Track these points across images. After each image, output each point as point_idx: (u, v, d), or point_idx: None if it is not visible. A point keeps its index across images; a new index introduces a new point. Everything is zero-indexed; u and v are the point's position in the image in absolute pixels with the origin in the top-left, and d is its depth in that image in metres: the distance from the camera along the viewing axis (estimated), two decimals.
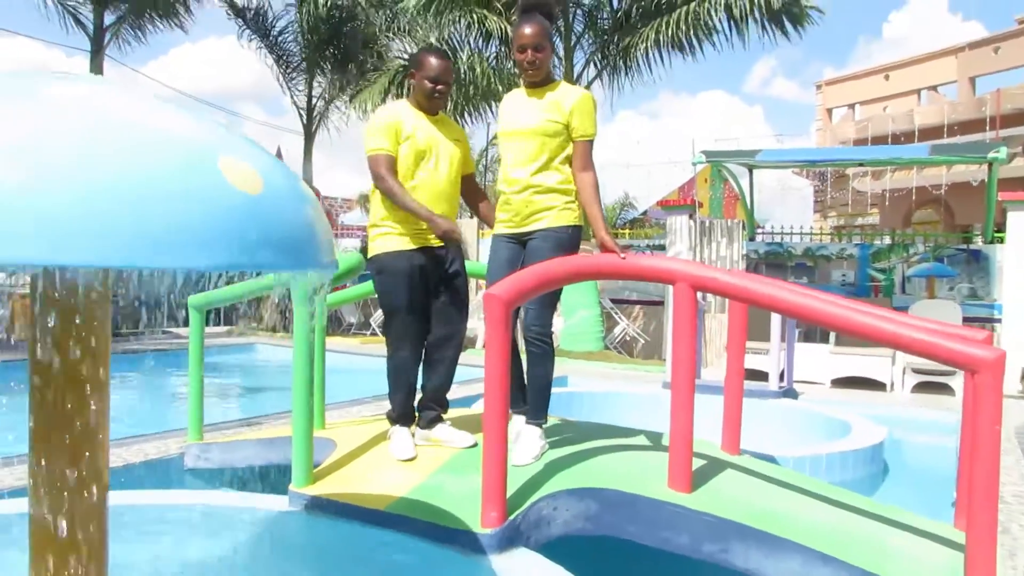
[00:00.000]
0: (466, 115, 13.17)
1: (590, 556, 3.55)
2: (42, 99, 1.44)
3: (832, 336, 10.89)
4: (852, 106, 29.99)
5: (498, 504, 3.01)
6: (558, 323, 12.83)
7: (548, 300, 3.50)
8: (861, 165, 13.64)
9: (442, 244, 3.76)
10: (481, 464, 3.05)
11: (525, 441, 3.53)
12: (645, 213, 31.75)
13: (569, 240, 3.49)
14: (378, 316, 14.55)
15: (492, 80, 12.15)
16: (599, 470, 3.47)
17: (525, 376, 3.69)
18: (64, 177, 1.40)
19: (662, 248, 12.98)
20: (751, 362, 9.09)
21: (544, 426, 3.65)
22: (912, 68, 28.00)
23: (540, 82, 3.56)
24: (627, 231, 27.93)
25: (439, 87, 3.72)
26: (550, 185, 3.47)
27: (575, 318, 11.98)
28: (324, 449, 3.91)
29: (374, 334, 14.19)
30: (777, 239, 13.02)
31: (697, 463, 3.49)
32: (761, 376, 8.31)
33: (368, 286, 4.84)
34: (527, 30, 3.47)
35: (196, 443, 4.64)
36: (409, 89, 3.89)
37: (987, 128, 21.36)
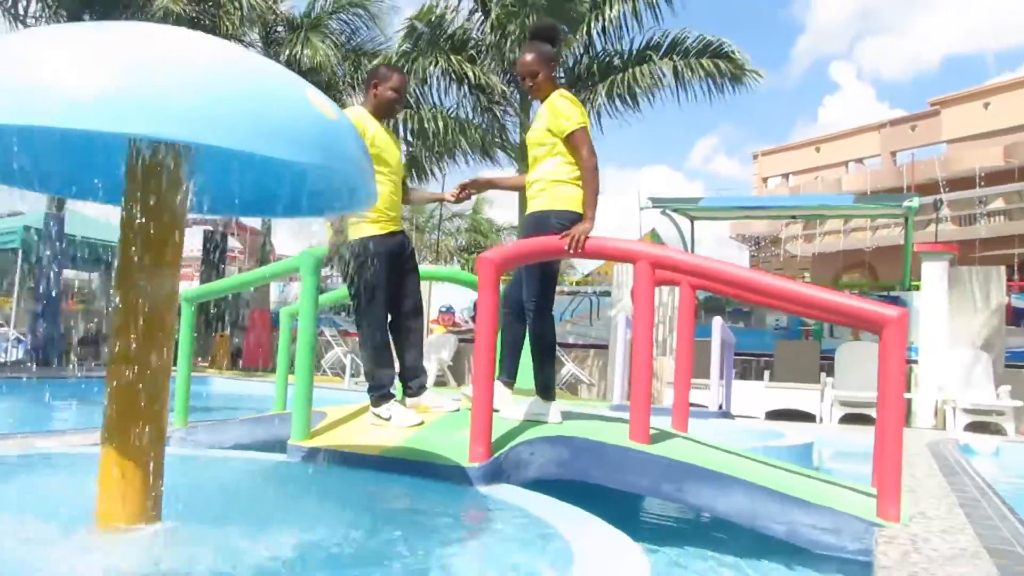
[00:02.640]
0: (431, 167, 13.68)
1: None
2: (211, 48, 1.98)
3: (767, 373, 11.58)
4: (786, 175, 31.67)
5: (484, 442, 3.43)
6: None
7: (532, 276, 3.95)
8: (793, 217, 14.61)
9: (402, 229, 4.26)
10: (468, 421, 3.47)
11: (527, 404, 3.97)
12: (588, 275, 32.60)
13: (536, 223, 3.92)
14: (329, 358, 14.79)
15: (455, 134, 12.73)
16: (571, 428, 3.92)
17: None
18: (223, 92, 1.89)
19: (607, 294, 13.58)
20: (693, 397, 9.68)
21: (547, 400, 4.05)
22: (840, 142, 29.89)
23: (543, 99, 4.04)
24: (573, 280, 28.64)
25: (399, 98, 4.27)
26: (537, 178, 3.98)
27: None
28: (316, 419, 4.27)
29: (324, 374, 14.40)
30: None
31: (653, 429, 3.96)
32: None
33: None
34: (521, 59, 4.03)
35: (181, 427, 4.92)
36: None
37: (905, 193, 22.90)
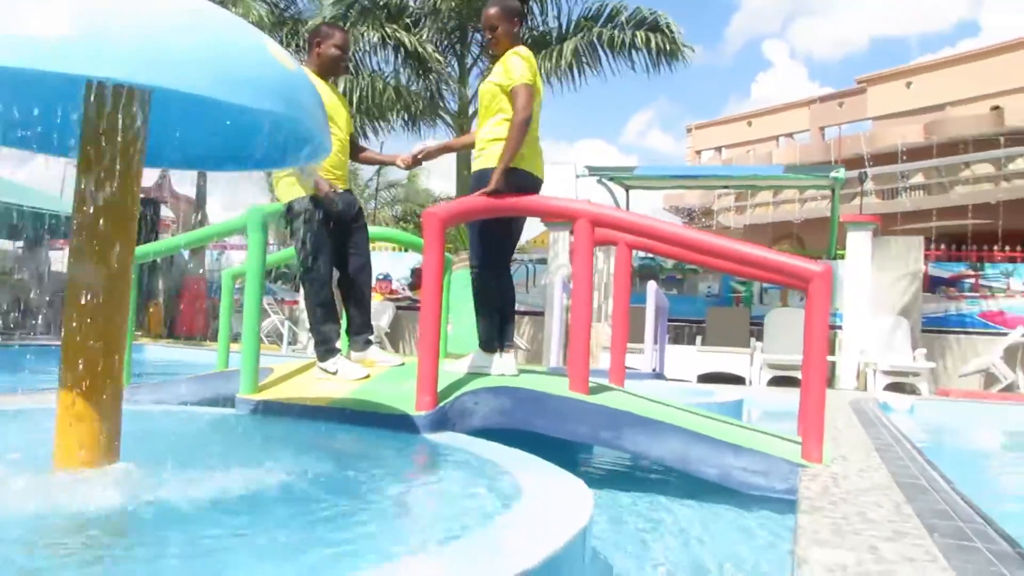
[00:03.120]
0: (368, 133, 13.64)
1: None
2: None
3: (699, 339, 11.95)
4: (719, 149, 32.31)
5: (430, 391, 3.55)
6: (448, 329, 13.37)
7: (473, 234, 4.05)
8: (726, 187, 14.99)
9: (348, 188, 4.33)
10: (414, 374, 3.57)
11: (470, 357, 4.09)
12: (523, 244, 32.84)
13: (476, 181, 3.97)
14: (266, 326, 14.65)
15: (392, 97, 12.67)
16: (514, 380, 4.06)
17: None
18: (185, 38, 1.94)
19: (543, 262, 13.76)
20: (627, 361, 9.94)
21: (489, 352, 4.16)
22: (772, 117, 30.61)
23: (501, 54, 4.07)
24: None
25: (344, 55, 4.32)
26: (481, 136, 4.05)
27: (462, 325, 12.53)
28: (262, 376, 4.32)
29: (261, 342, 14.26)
30: (650, 255, 14.07)
31: (592, 383, 4.12)
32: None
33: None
34: (485, 11, 4.08)
35: (124, 387, 4.91)
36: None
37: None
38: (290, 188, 4.18)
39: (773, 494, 3.39)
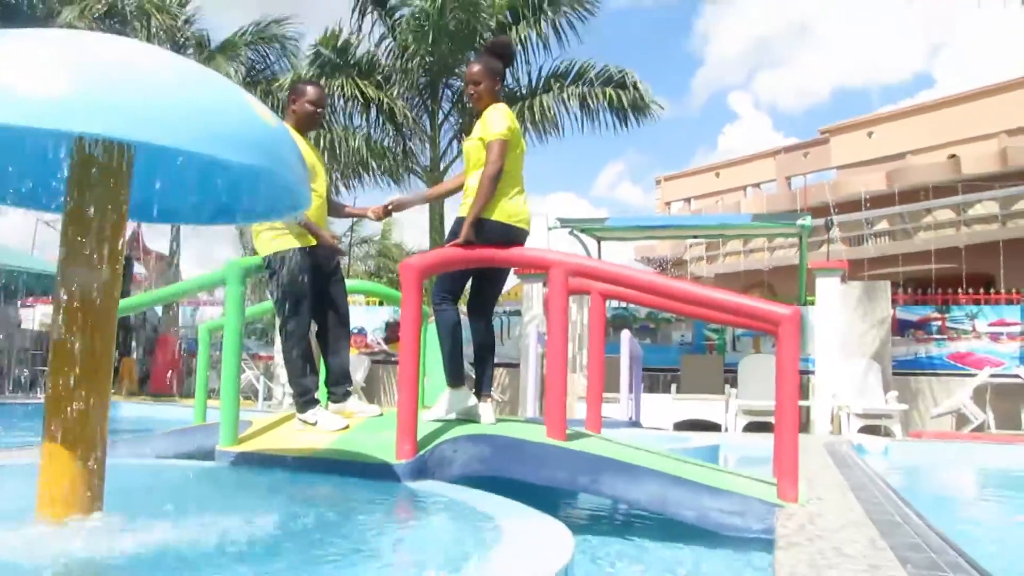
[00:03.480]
0: (341, 188, 13.76)
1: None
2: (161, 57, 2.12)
3: (674, 387, 12.03)
4: (688, 200, 32.85)
5: (410, 440, 3.58)
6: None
7: (446, 277, 4.10)
8: (695, 237, 15.24)
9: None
10: (393, 423, 3.60)
11: (440, 402, 4.12)
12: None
13: (453, 230, 4.03)
14: (241, 381, 14.52)
15: (364, 154, 12.83)
16: (492, 428, 4.09)
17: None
18: (173, 96, 2.02)
19: (517, 314, 13.83)
20: (603, 410, 9.99)
21: (456, 388, 4.20)
22: (739, 167, 31.28)
23: (482, 110, 4.16)
24: None
25: (319, 110, 4.41)
26: (466, 187, 4.08)
27: (438, 377, 12.50)
28: (242, 428, 4.31)
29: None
30: (623, 304, 14.21)
31: (569, 430, 4.16)
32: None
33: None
34: (469, 68, 4.20)
35: None
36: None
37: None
38: (269, 242, 4.23)
39: (750, 534, 3.43)
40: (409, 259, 3.71)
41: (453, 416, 4.19)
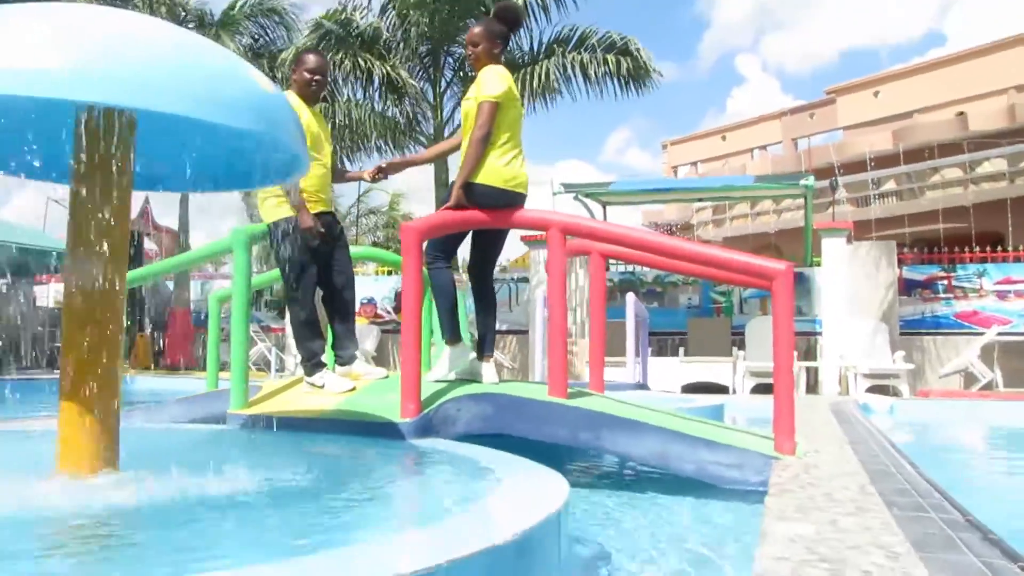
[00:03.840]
0: (345, 160, 13.78)
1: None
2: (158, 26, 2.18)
3: (681, 350, 12.12)
4: (694, 164, 32.71)
5: (414, 399, 3.67)
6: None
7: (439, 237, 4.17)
8: (700, 199, 15.25)
9: (331, 210, 4.47)
10: (398, 385, 3.69)
11: (440, 361, 4.21)
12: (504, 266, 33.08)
13: (450, 192, 4.07)
14: (253, 353, 14.70)
15: (369, 125, 12.84)
16: (494, 387, 4.18)
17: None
18: (170, 63, 2.09)
19: (525, 281, 13.91)
20: (610, 374, 10.10)
21: (453, 345, 4.29)
22: (745, 130, 31.08)
23: (479, 71, 4.16)
24: None
25: (316, 77, 4.44)
26: (461, 151, 4.13)
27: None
28: (252, 393, 4.42)
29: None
30: (630, 268, 14.27)
31: (572, 389, 4.25)
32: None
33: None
34: (470, 30, 4.24)
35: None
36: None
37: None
38: (274, 209, 4.30)
39: (748, 487, 3.50)
40: (409, 221, 3.78)
41: (454, 375, 4.27)
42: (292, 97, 4.35)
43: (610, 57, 12.36)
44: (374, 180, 4.69)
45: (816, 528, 2.19)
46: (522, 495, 2.27)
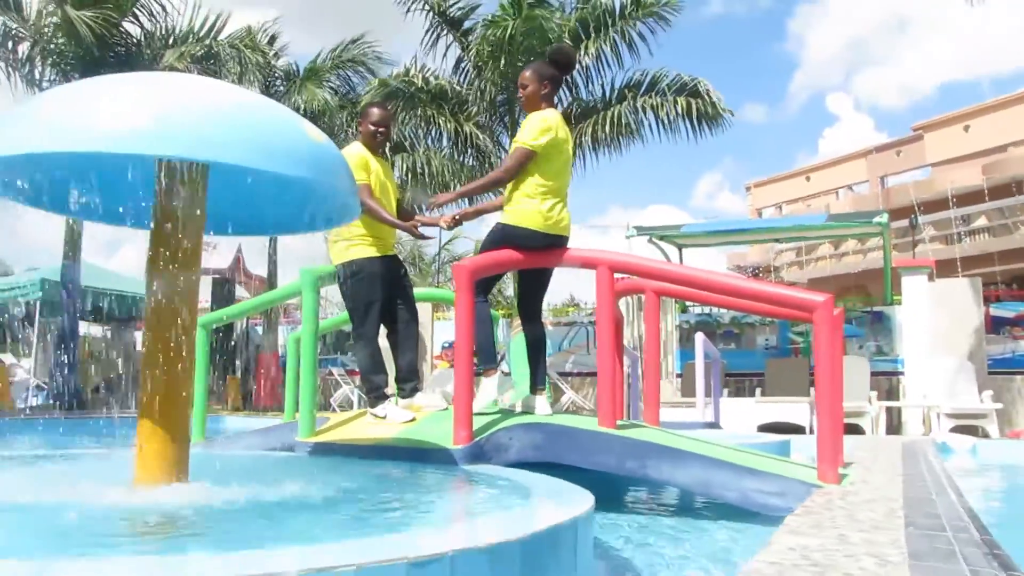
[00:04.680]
0: (424, 208, 14.27)
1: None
2: (224, 89, 2.52)
3: (758, 391, 11.99)
4: (779, 205, 32.31)
5: (466, 426, 3.89)
6: (509, 395, 13.72)
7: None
8: (777, 240, 15.11)
9: (394, 253, 4.77)
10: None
11: (480, 392, 4.43)
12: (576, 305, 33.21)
13: (494, 233, 4.31)
14: (338, 396, 15.24)
15: (447, 173, 13.32)
16: (546, 418, 4.37)
17: None
18: (233, 121, 2.41)
19: None
20: (683, 415, 10.13)
21: (493, 374, 4.48)
22: (830, 170, 30.59)
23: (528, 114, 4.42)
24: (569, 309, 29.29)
25: (380, 129, 4.79)
26: (506, 191, 4.40)
27: (525, 385, 12.82)
28: (320, 424, 4.73)
29: (333, 411, 14.81)
30: (707, 310, 14.23)
31: (622, 421, 4.41)
32: None
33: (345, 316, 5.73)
34: (522, 72, 4.45)
35: (199, 441, 5.39)
36: None
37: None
38: (343, 252, 4.64)
39: (791, 514, 3.58)
40: (461, 261, 4.05)
41: (508, 405, 4.47)
42: (359, 147, 4.71)
43: (680, 99, 12.54)
44: (450, 228, 4.93)
45: (821, 541, 2.30)
46: (548, 505, 2.46)
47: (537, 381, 4.52)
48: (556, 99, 12.43)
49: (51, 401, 13.38)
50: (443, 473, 3.48)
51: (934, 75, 78.31)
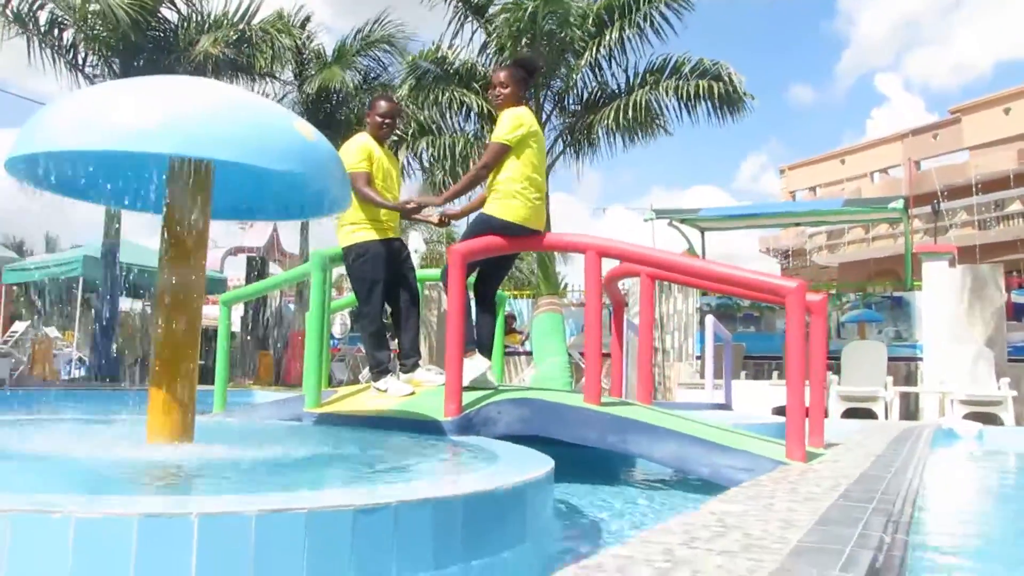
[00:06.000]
0: (449, 187, 14.53)
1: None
2: (224, 92, 2.82)
3: (775, 374, 12.14)
4: (813, 188, 32.04)
5: (456, 400, 4.18)
6: (528, 371, 14.01)
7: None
8: (797, 223, 15.14)
9: (399, 236, 5.05)
10: None
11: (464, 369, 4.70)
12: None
13: (478, 223, 4.59)
14: (365, 374, 15.66)
15: (471, 155, 13.56)
16: (534, 393, 4.65)
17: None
18: (231, 123, 2.70)
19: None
20: (696, 396, 10.34)
21: (472, 355, 4.68)
22: (864, 153, 30.23)
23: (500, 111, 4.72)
24: None
25: (387, 120, 5.06)
26: (487, 184, 4.70)
27: (545, 364, 13.10)
28: (325, 395, 5.07)
29: None
30: (727, 295, 14.35)
31: (607, 398, 4.66)
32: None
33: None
34: (496, 73, 4.79)
35: (220, 411, 5.76)
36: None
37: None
38: (349, 235, 4.94)
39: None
40: (455, 245, 4.33)
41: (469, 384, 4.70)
42: (365, 137, 5.00)
43: (703, 83, 12.61)
44: (441, 225, 5.21)
45: (745, 508, 2.53)
46: (508, 469, 2.74)
47: (485, 351, 4.80)
48: (580, 87, 12.42)
49: (92, 373, 13.98)
50: (425, 441, 3.78)
51: (989, 53, 75.87)
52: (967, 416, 10.54)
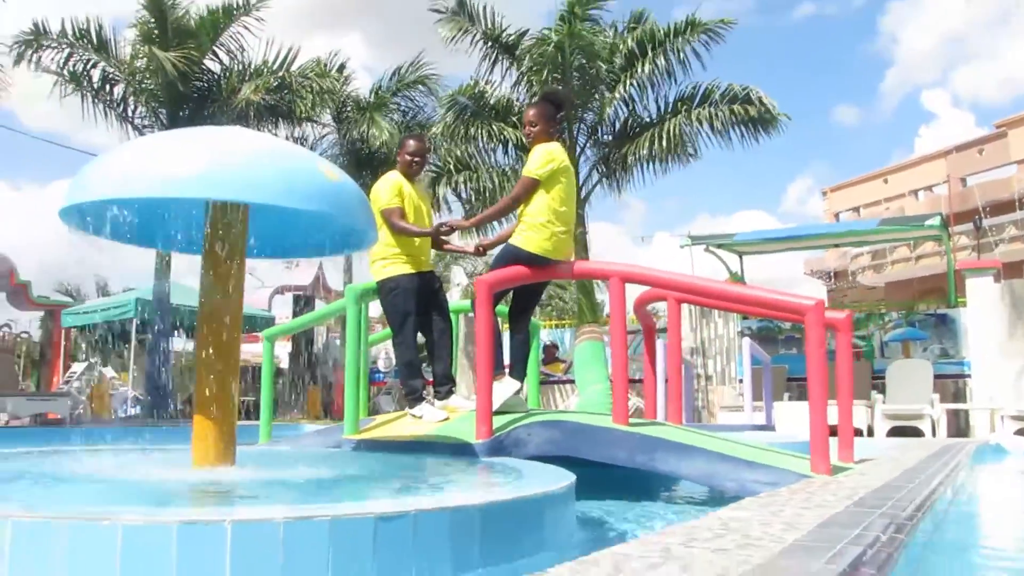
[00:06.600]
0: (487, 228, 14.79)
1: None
2: (258, 141, 3.06)
3: None
4: (856, 209, 31.71)
5: (487, 422, 4.35)
6: (573, 399, 14.09)
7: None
8: (836, 244, 15.05)
9: (431, 269, 5.25)
10: None
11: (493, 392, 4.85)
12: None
13: (504, 254, 4.76)
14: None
15: (508, 189, 13.80)
16: (563, 415, 4.79)
17: None
18: (263, 169, 2.93)
19: (663, 331, 14.23)
20: (736, 418, 10.33)
21: (502, 378, 4.87)
22: (908, 171, 29.88)
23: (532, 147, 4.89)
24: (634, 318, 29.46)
25: (416, 159, 5.30)
26: (517, 215, 4.88)
27: (588, 391, 13.18)
28: (363, 423, 5.26)
29: None
30: (768, 318, 14.30)
31: (635, 419, 4.77)
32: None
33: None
34: (527, 111, 4.96)
35: (266, 441, 6.00)
36: None
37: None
38: (382, 269, 5.16)
39: None
40: (482, 276, 4.52)
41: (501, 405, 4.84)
42: (395, 175, 5.24)
43: (736, 108, 12.70)
44: (477, 254, 5.43)
45: (752, 514, 2.63)
46: (530, 484, 2.89)
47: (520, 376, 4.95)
48: (612, 119, 12.54)
49: (146, 411, 14.44)
50: (455, 462, 3.95)
51: None
52: (1018, 432, 10.35)
